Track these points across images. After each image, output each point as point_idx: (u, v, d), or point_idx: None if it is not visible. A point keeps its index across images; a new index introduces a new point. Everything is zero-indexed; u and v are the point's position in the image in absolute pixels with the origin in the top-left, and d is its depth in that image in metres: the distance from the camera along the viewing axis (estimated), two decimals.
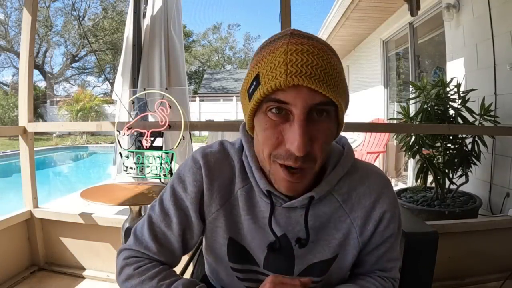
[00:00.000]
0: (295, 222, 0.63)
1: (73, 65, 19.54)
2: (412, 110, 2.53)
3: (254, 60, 0.55)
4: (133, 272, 0.63)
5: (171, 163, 1.77)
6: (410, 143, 2.30)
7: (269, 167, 0.57)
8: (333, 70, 0.51)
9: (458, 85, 2.25)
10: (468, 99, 2.20)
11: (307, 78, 0.48)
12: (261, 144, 0.55)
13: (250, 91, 0.53)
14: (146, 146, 1.84)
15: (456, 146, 2.26)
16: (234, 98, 16.58)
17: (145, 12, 2.46)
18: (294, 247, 0.64)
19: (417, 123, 2.29)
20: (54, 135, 12.52)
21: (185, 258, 1.16)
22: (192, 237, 0.68)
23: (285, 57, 0.49)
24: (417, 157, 2.32)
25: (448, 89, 2.28)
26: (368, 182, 0.65)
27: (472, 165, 2.23)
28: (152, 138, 1.84)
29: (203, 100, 17.49)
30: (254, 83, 0.52)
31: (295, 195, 0.60)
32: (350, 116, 6.90)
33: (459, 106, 2.22)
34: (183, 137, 1.79)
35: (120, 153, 1.89)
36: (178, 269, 1.04)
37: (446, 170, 2.26)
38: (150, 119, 2.00)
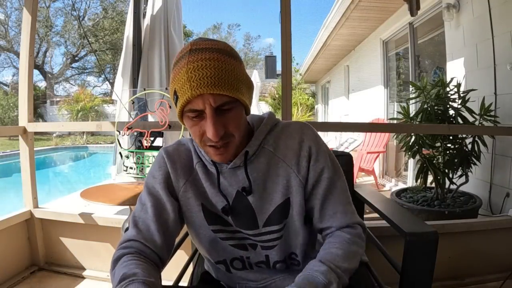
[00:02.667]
0: (242, 178, 0.76)
1: (73, 65, 19.48)
2: (412, 110, 2.53)
3: (171, 75, 0.69)
4: (112, 265, 0.71)
5: None
6: (410, 143, 2.30)
7: (203, 149, 0.74)
8: (226, 74, 0.65)
9: (458, 85, 2.25)
10: (468, 99, 2.20)
11: (205, 87, 0.63)
12: (192, 136, 0.72)
13: (175, 101, 0.69)
14: (146, 146, 1.84)
15: (456, 146, 2.26)
16: None
17: (145, 12, 2.46)
18: (248, 198, 0.76)
19: (417, 123, 2.29)
20: (54, 135, 12.51)
21: (185, 258, 1.16)
22: (169, 216, 0.76)
23: (187, 75, 0.64)
24: (417, 157, 2.32)
25: (448, 89, 2.28)
26: (288, 129, 0.80)
27: (472, 165, 2.23)
28: (152, 138, 1.84)
29: None
30: (175, 97, 0.67)
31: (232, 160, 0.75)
32: (350, 116, 6.90)
33: (459, 106, 2.22)
34: (183, 137, 1.78)
35: (120, 153, 1.89)
36: (178, 269, 1.04)
37: (446, 170, 2.26)
38: (150, 119, 2.00)
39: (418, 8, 2.35)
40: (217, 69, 0.64)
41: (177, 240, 0.94)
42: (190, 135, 0.83)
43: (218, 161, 0.74)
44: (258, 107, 8.34)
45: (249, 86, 0.72)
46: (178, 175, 0.79)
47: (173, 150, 0.82)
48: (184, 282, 1.01)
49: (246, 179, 0.75)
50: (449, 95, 2.28)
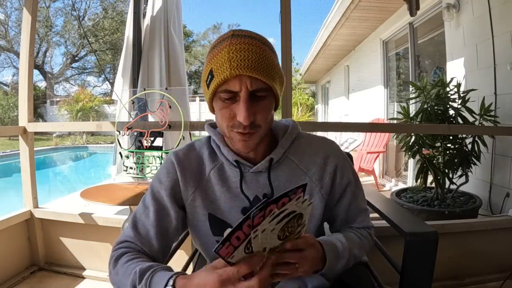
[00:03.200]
0: (263, 184, 0.76)
1: (73, 65, 19.50)
2: (412, 110, 2.53)
3: (208, 57, 0.70)
4: (112, 263, 0.70)
5: None
6: (410, 143, 2.30)
7: (229, 135, 0.72)
8: (266, 61, 0.66)
9: (458, 85, 2.25)
10: (468, 99, 2.20)
11: (245, 68, 0.64)
12: (220, 120, 0.71)
13: (207, 82, 0.68)
14: (146, 146, 1.84)
15: (456, 146, 2.26)
16: None
17: (145, 12, 2.45)
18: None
19: (417, 123, 2.29)
20: (54, 135, 12.51)
21: (185, 258, 1.16)
22: (170, 223, 0.76)
23: (228, 55, 0.64)
24: (417, 157, 2.32)
25: (448, 89, 2.28)
26: (314, 144, 0.82)
27: (472, 165, 2.23)
28: (152, 138, 1.84)
29: (203, 100, 17.44)
30: (210, 76, 0.67)
31: (254, 157, 0.76)
32: (350, 116, 6.90)
33: (459, 106, 2.22)
34: (183, 137, 1.79)
35: (120, 153, 1.89)
36: (178, 269, 1.04)
37: (446, 170, 2.26)
38: (150, 119, 2.00)
39: (417, 8, 2.35)
40: (258, 54, 0.65)
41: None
42: (203, 139, 0.83)
43: (240, 149, 0.73)
44: None
45: (282, 81, 0.73)
46: (187, 183, 0.77)
47: (184, 155, 0.80)
48: None
49: (268, 185, 0.75)
50: (449, 95, 2.28)
